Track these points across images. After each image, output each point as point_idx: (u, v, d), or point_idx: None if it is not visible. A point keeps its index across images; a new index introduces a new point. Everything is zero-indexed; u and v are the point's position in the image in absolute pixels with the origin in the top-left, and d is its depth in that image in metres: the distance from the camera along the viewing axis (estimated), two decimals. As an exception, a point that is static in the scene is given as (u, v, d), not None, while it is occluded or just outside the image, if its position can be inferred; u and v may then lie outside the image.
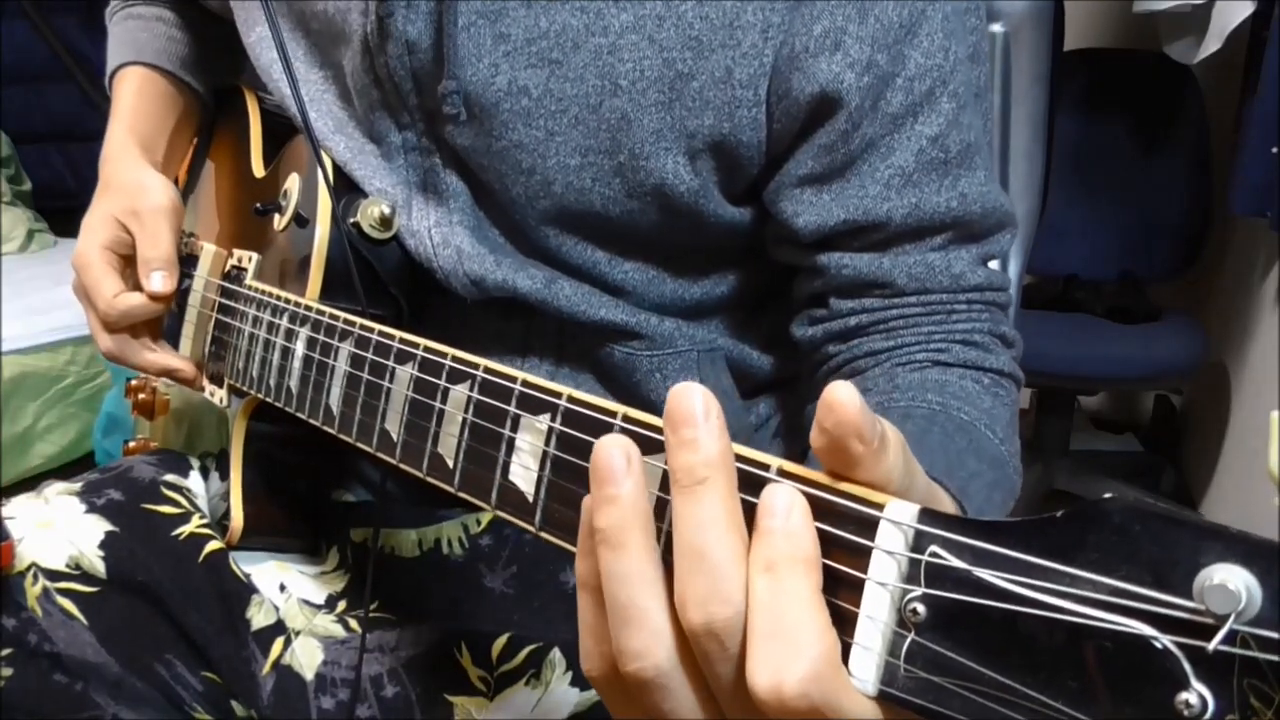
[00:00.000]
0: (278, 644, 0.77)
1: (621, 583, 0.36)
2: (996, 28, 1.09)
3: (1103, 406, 3.04)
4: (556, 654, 0.74)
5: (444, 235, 0.73)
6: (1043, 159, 1.20)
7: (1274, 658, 0.24)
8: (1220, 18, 1.98)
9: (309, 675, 0.76)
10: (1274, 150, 1.83)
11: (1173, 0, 2.03)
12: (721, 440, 0.35)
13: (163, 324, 0.87)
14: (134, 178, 0.84)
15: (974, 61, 0.69)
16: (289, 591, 0.79)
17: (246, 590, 0.77)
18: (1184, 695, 0.25)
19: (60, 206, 2.99)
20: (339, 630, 0.78)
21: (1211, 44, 2.00)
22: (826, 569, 0.34)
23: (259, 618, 0.77)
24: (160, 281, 0.81)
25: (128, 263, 0.83)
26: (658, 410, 0.38)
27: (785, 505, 0.34)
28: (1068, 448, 2.51)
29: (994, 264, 0.73)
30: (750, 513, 0.35)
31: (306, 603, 0.79)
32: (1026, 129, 1.14)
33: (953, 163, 0.67)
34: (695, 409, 0.35)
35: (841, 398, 0.33)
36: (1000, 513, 0.61)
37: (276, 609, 0.78)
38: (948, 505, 0.39)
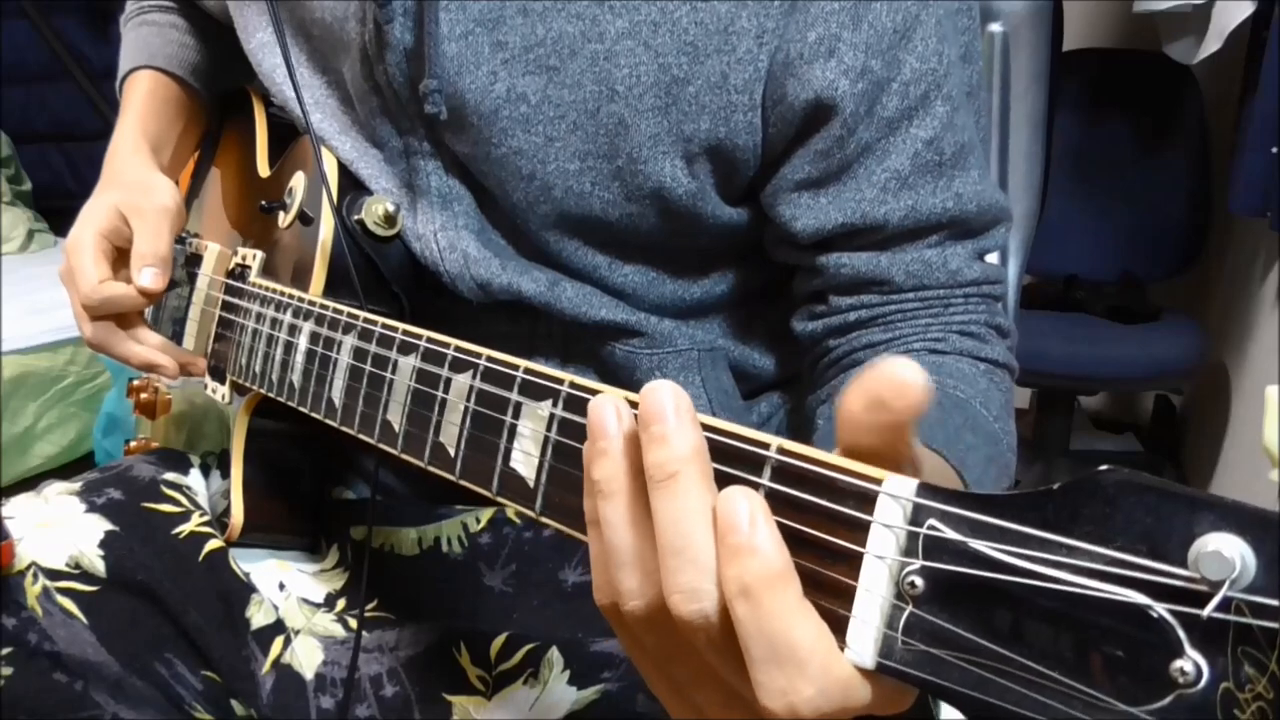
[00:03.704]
0: (277, 643, 0.77)
1: (611, 527, 0.38)
2: (995, 27, 1.09)
3: (1103, 406, 3.03)
4: (554, 653, 0.74)
5: (450, 239, 0.74)
6: (1042, 159, 1.20)
7: (1268, 624, 0.24)
8: (1220, 18, 1.98)
9: (308, 675, 0.76)
10: (1274, 150, 1.83)
11: (1173, 0, 2.03)
12: (692, 435, 0.36)
13: (143, 316, 0.87)
14: (143, 177, 0.85)
15: (966, 61, 0.70)
16: (288, 590, 0.80)
17: (246, 589, 0.77)
18: (1179, 663, 0.25)
19: (60, 206, 2.99)
20: (338, 630, 0.78)
21: (1211, 44, 2.00)
22: (825, 543, 0.34)
23: (258, 617, 0.77)
24: (151, 278, 0.80)
25: (120, 255, 0.83)
26: None
27: (747, 517, 0.34)
28: (1068, 448, 2.51)
29: (992, 257, 0.73)
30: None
31: (306, 601, 0.79)
32: (1026, 129, 1.14)
33: (947, 164, 0.67)
34: (665, 405, 0.36)
35: (912, 378, 0.33)
36: (996, 488, 0.62)
37: (276, 608, 0.78)
38: (948, 474, 0.39)
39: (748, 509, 0.34)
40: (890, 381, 0.33)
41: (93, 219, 0.82)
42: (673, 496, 0.36)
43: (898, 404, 0.33)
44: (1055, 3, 1.71)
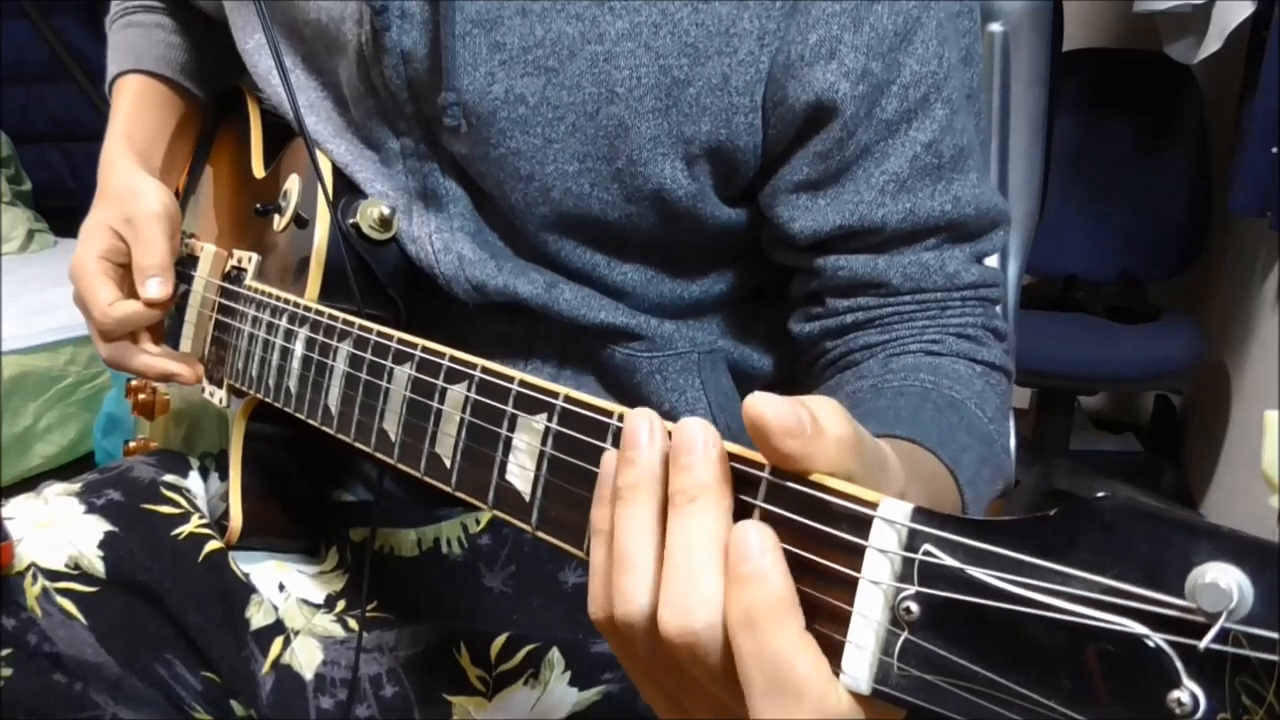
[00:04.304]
0: (277, 644, 0.77)
1: (625, 531, 0.39)
2: (995, 27, 1.09)
3: (1103, 406, 3.03)
4: (555, 654, 0.74)
5: (445, 241, 0.74)
6: (1042, 159, 1.20)
7: (1266, 656, 0.24)
8: (1220, 18, 1.98)
9: (308, 675, 0.76)
10: (1274, 150, 1.83)
11: (1173, 0, 2.03)
12: (716, 468, 0.38)
13: (164, 327, 0.87)
14: (128, 184, 0.84)
15: (967, 64, 0.70)
16: (288, 591, 0.80)
17: (245, 590, 0.77)
18: (1176, 694, 0.25)
19: (60, 206, 2.99)
20: (338, 630, 0.78)
21: (1211, 44, 2.00)
22: (819, 567, 0.34)
23: (258, 617, 0.77)
24: (156, 288, 0.81)
25: (124, 270, 0.83)
26: (656, 411, 0.40)
27: (758, 546, 0.35)
28: (1068, 448, 2.51)
29: (991, 260, 0.73)
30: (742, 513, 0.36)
31: (305, 602, 0.79)
32: (1026, 129, 1.14)
33: (946, 167, 0.67)
34: (695, 439, 0.38)
35: (759, 410, 0.35)
36: (989, 488, 0.63)
37: (275, 609, 0.78)
38: (892, 463, 0.40)
39: (759, 538, 0.35)
40: (748, 426, 0.36)
41: (90, 241, 0.83)
42: (690, 517, 0.37)
43: (760, 439, 0.36)
44: (1055, 3, 1.71)
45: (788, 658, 0.34)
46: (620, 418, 0.42)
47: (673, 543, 0.37)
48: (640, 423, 0.40)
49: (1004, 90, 1.09)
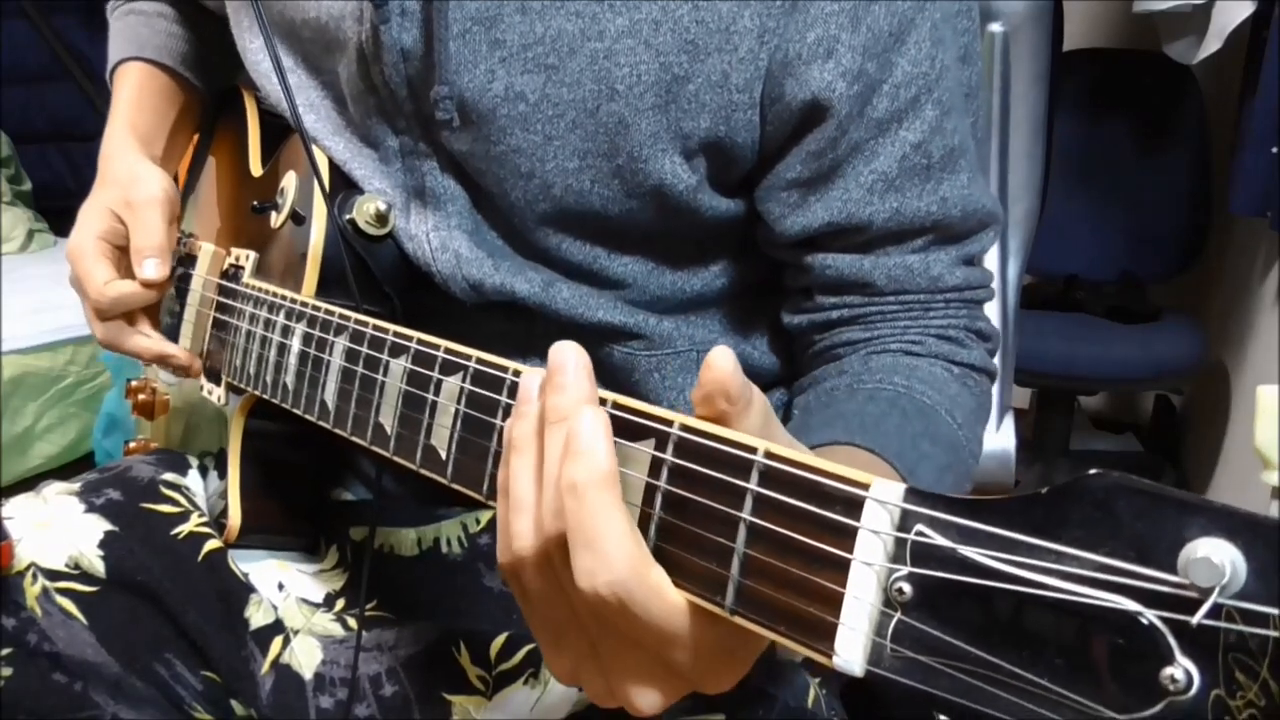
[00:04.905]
0: (276, 643, 0.77)
1: (516, 479, 0.44)
2: (996, 27, 1.09)
3: (1103, 406, 3.03)
4: (555, 653, 0.74)
5: (442, 239, 0.74)
6: (1042, 159, 1.20)
7: (1259, 631, 0.24)
8: (1220, 18, 1.98)
9: (307, 674, 0.76)
10: (1274, 150, 1.83)
11: (1173, 0, 2.03)
12: (585, 386, 0.42)
13: (159, 313, 0.87)
14: (129, 169, 0.85)
15: (964, 63, 0.70)
16: (287, 590, 0.79)
17: (245, 589, 0.77)
18: (1169, 670, 0.25)
19: (60, 206, 2.98)
20: (337, 629, 0.78)
21: (1211, 44, 2.00)
22: (812, 550, 0.34)
23: (257, 617, 0.77)
24: (153, 269, 0.81)
25: (122, 253, 0.84)
26: None
27: (590, 428, 0.40)
28: (1068, 448, 2.51)
29: (989, 259, 0.74)
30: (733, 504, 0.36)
31: (305, 601, 0.79)
32: (1026, 129, 1.14)
33: (935, 168, 0.68)
34: (567, 360, 0.42)
35: (720, 363, 0.40)
36: (952, 494, 0.64)
37: (275, 608, 0.78)
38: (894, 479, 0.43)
39: (591, 422, 0.40)
40: (705, 363, 0.40)
41: (89, 223, 0.83)
42: (559, 430, 0.41)
43: (706, 378, 0.40)
44: (1055, 3, 1.71)
45: (603, 519, 0.39)
46: (614, 405, 0.43)
47: (548, 458, 0.42)
48: (532, 381, 0.44)
49: (1004, 90, 1.10)
